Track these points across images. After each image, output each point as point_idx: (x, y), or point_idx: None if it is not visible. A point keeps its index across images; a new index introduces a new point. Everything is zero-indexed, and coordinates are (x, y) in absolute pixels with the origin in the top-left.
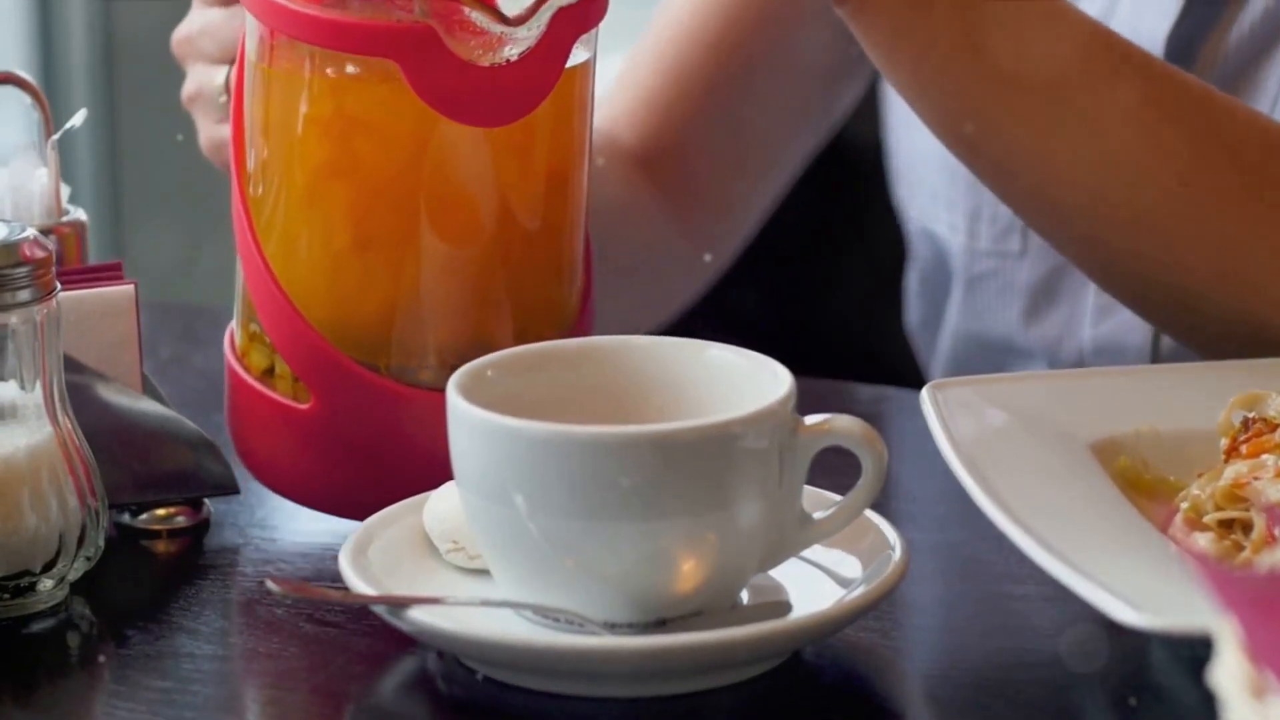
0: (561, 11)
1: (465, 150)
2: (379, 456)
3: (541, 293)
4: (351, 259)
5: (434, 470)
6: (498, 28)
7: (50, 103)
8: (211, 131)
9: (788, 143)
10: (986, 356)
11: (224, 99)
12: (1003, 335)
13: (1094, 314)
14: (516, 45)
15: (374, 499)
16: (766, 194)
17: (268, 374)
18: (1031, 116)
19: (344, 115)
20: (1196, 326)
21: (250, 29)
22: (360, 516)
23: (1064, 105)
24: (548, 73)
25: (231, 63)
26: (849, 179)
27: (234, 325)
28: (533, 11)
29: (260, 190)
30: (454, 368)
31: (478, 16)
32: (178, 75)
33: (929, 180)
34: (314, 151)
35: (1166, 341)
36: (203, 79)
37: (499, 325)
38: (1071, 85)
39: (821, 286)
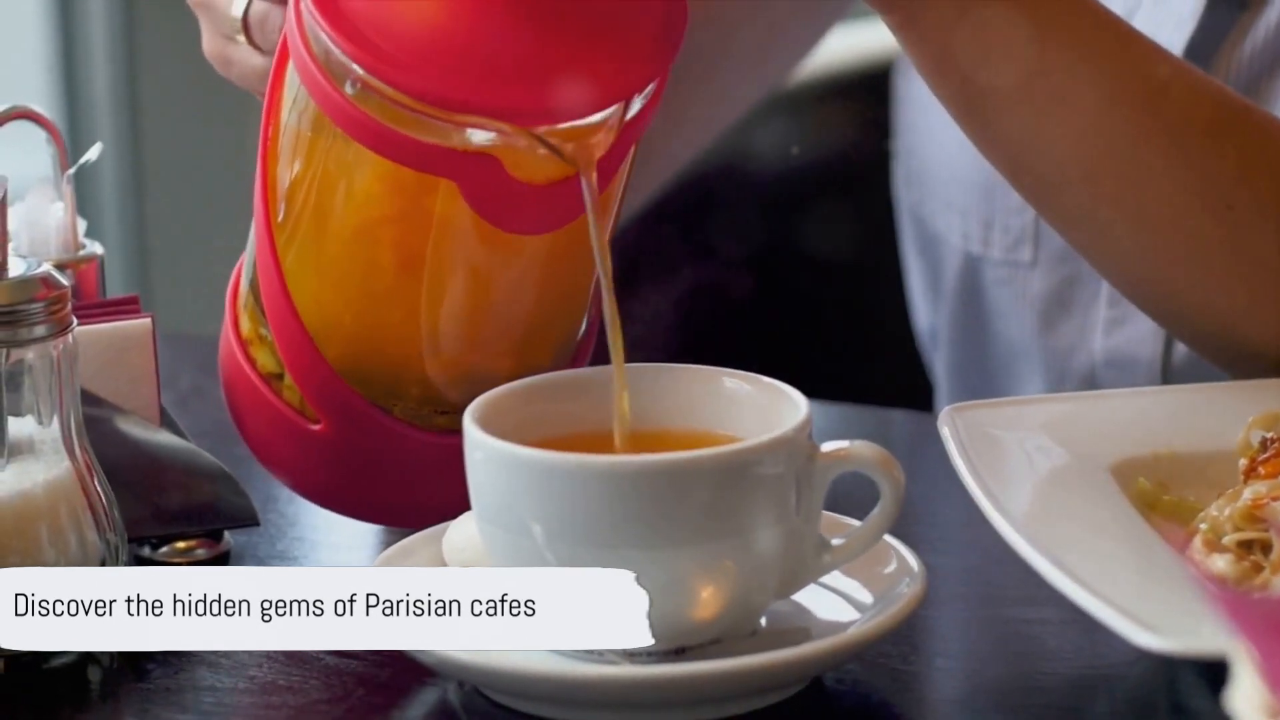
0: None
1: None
2: (391, 488)
3: (557, 339)
4: (379, 300)
5: (445, 503)
6: (565, 161)
7: (74, 137)
8: (218, 45)
9: (761, 65)
10: (995, 365)
11: (240, 38)
12: (1012, 344)
13: (1105, 325)
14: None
15: (380, 513)
16: (725, 117)
17: (275, 378)
18: (1081, 135)
19: (389, 166)
20: (1229, 346)
21: (290, 95)
22: (365, 519)
23: (1115, 127)
24: (605, 179)
25: None
26: (856, 191)
27: (240, 303)
28: (603, 145)
29: (285, 223)
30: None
31: (545, 153)
32: (200, 109)
33: (943, 187)
34: (352, 198)
35: (1178, 354)
36: None
37: (515, 371)
38: (1124, 106)
39: (829, 298)
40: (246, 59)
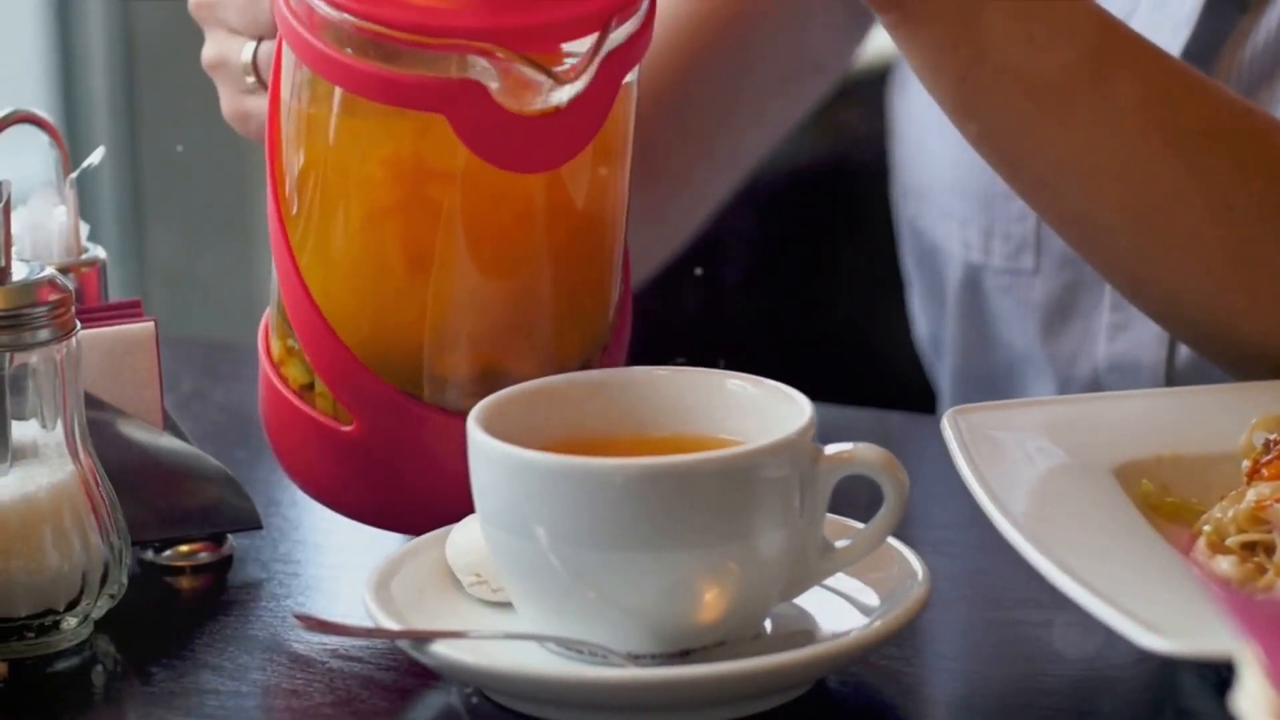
0: (611, 53)
1: (514, 184)
2: (424, 479)
3: (583, 315)
4: (397, 288)
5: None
6: (549, 83)
7: (72, 139)
8: (235, 102)
9: (759, 130)
10: (999, 372)
11: (251, 80)
12: (1015, 351)
13: (1108, 330)
14: (567, 93)
15: (418, 518)
16: (727, 181)
17: (307, 389)
18: (1079, 135)
19: (391, 150)
20: (1229, 346)
21: (288, 71)
22: (404, 531)
23: (1114, 124)
24: (597, 114)
25: (255, 38)
26: (856, 196)
27: (270, 328)
28: (586, 65)
29: (298, 217)
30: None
31: (530, 72)
32: (198, 111)
33: (941, 197)
34: (360, 186)
35: (1181, 358)
36: (225, 49)
37: (541, 351)
38: (1122, 106)
39: (831, 305)
40: (262, 107)
